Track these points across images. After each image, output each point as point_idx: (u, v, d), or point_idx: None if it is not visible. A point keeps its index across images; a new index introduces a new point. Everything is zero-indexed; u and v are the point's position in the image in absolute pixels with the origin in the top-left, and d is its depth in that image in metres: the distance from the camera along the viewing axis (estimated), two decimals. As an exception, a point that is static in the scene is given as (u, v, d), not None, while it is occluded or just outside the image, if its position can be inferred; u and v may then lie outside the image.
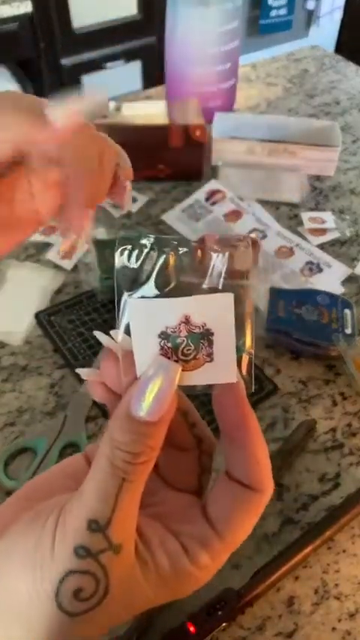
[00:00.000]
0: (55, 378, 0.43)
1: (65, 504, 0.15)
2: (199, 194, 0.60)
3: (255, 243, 0.50)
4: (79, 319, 0.47)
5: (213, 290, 0.16)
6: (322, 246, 0.55)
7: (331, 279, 0.51)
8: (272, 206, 0.60)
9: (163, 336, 0.15)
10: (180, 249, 0.16)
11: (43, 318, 0.47)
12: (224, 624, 0.29)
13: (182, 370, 0.15)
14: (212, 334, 0.16)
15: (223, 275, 0.17)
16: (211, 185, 0.61)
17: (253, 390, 0.16)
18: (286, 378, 0.43)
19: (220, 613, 0.29)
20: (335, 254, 0.54)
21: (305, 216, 0.57)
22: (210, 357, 0.16)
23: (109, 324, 0.47)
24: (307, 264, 0.52)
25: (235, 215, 0.58)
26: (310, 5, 1.75)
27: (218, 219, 0.58)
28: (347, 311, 0.45)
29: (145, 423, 0.14)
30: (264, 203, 0.59)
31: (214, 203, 0.59)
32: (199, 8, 0.61)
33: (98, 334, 0.16)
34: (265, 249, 0.54)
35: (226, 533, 0.16)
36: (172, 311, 0.15)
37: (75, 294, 0.49)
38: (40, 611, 0.14)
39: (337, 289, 0.50)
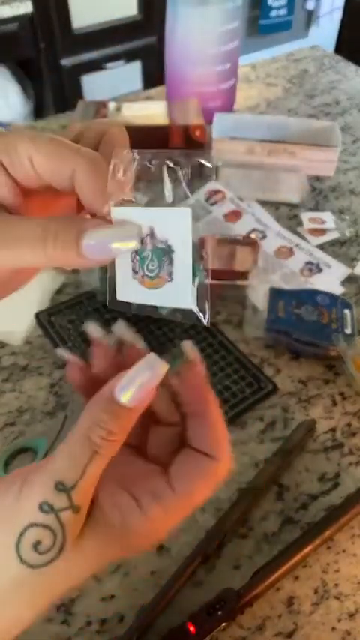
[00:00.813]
0: (56, 378, 0.43)
1: (37, 468, 0.17)
2: (199, 194, 0.60)
3: (255, 244, 0.51)
4: (79, 319, 0.47)
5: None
6: (321, 247, 0.55)
7: (331, 280, 0.51)
8: (272, 206, 0.60)
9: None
10: (153, 162, 0.17)
11: (43, 319, 0.47)
12: (224, 624, 0.29)
13: (146, 286, 0.17)
14: (173, 252, 0.17)
15: (186, 189, 0.17)
16: (211, 185, 0.61)
17: (207, 324, 0.17)
18: (286, 378, 0.43)
19: (220, 613, 0.29)
20: (335, 254, 0.54)
21: (305, 216, 0.57)
22: (170, 276, 0.17)
23: (109, 324, 0.47)
24: (306, 265, 0.53)
25: (235, 215, 0.58)
26: (310, 5, 1.75)
27: (218, 220, 0.58)
28: (347, 311, 0.45)
29: (124, 408, 0.16)
30: (264, 203, 0.60)
31: (214, 203, 0.59)
32: (199, 8, 0.61)
33: (87, 325, 0.18)
34: (265, 249, 0.54)
35: (180, 488, 0.17)
36: (142, 220, 0.17)
37: (75, 295, 0.49)
38: (2, 561, 0.16)
39: (337, 289, 0.50)
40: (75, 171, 0.17)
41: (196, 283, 0.17)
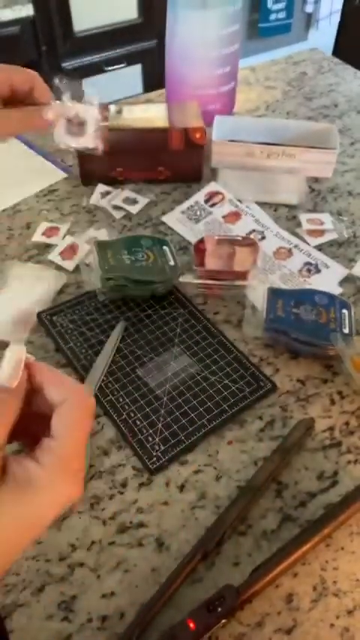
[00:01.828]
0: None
1: None
2: (199, 196, 0.61)
3: (254, 245, 0.51)
4: (80, 319, 0.47)
5: None
6: (320, 247, 0.55)
7: (329, 280, 0.51)
8: (271, 208, 0.60)
9: None
10: None
11: (45, 318, 0.47)
12: (224, 621, 0.30)
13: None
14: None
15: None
16: (211, 187, 0.61)
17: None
18: (285, 377, 0.44)
19: (219, 610, 0.29)
20: (333, 255, 0.54)
21: (303, 217, 0.58)
22: None
23: (110, 323, 0.47)
24: (305, 265, 0.53)
25: (234, 216, 0.58)
26: (309, 9, 1.76)
27: (217, 221, 0.58)
28: (345, 311, 0.45)
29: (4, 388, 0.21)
30: (263, 205, 0.60)
31: (213, 205, 0.60)
32: (199, 11, 0.62)
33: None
34: (264, 250, 0.54)
35: (56, 434, 0.21)
36: None
37: (77, 295, 0.50)
38: None
39: (335, 290, 0.50)
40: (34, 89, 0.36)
41: None
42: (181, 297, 0.50)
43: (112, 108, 0.62)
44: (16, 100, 0.35)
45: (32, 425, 0.22)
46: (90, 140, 0.39)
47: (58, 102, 0.38)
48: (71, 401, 0.21)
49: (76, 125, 0.38)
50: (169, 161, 0.61)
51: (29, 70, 0.36)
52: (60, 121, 0.38)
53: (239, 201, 0.60)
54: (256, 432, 0.40)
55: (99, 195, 0.60)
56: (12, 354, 0.21)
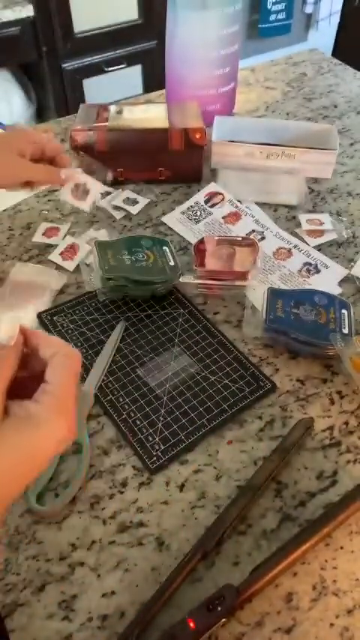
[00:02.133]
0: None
1: None
2: (199, 196, 0.61)
3: (254, 245, 0.51)
4: (81, 319, 0.48)
5: None
6: (319, 248, 0.55)
7: (329, 280, 0.52)
8: (270, 208, 0.60)
9: None
10: None
11: (45, 318, 0.47)
12: (223, 620, 0.30)
13: None
14: None
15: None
16: (211, 187, 0.61)
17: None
18: (284, 377, 0.44)
19: (219, 609, 0.30)
20: (332, 255, 0.55)
21: (303, 218, 0.58)
22: None
23: (110, 323, 0.47)
24: (304, 265, 0.53)
25: (234, 217, 0.59)
26: (309, 9, 1.76)
27: (217, 221, 0.58)
28: (344, 311, 0.46)
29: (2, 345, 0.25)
30: (262, 205, 0.60)
31: (213, 205, 0.60)
32: (199, 12, 0.62)
33: None
34: (264, 250, 0.54)
35: (50, 379, 0.24)
36: None
37: (77, 295, 0.50)
38: None
39: (335, 290, 0.50)
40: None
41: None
42: (181, 297, 0.50)
43: (112, 108, 0.63)
44: (41, 162, 0.49)
45: (30, 387, 0.25)
46: (86, 206, 0.52)
47: (75, 169, 0.51)
48: (60, 353, 0.25)
49: (81, 191, 0.51)
50: (169, 161, 0.61)
51: (58, 143, 0.51)
52: (69, 183, 0.51)
53: (239, 201, 0.60)
54: (256, 431, 0.40)
55: (99, 195, 0.60)
56: (9, 319, 0.25)
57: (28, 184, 0.49)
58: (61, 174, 0.49)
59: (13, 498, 0.24)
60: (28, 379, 0.25)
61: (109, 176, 0.55)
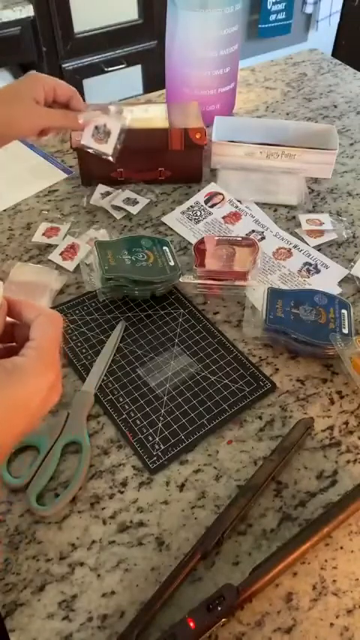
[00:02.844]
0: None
1: None
2: (199, 196, 0.61)
3: (254, 245, 0.51)
4: (81, 319, 0.48)
5: None
6: (319, 248, 0.55)
7: (329, 280, 0.52)
8: (270, 208, 0.60)
9: None
10: None
11: (44, 319, 0.47)
12: (224, 620, 0.30)
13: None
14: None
15: None
16: (211, 187, 0.61)
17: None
18: (285, 376, 0.44)
19: (219, 609, 0.30)
20: (332, 255, 0.55)
21: (303, 218, 0.58)
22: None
23: (110, 323, 0.47)
24: (304, 265, 0.53)
25: (234, 217, 0.59)
26: (309, 9, 1.76)
27: (217, 221, 0.58)
28: (344, 311, 0.46)
29: None
30: (262, 205, 0.60)
31: (213, 205, 0.60)
32: (199, 12, 0.62)
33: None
34: (264, 250, 0.54)
35: (34, 335, 0.25)
36: None
37: (77, 295, 0.50)
38: None
39: (335, 290, 0.50)
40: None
41: None
42: (181, 297, 0.50)
43: (113, 108, 0.63)
44: (56, 106, 0.48)
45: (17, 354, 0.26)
46: (109, 148, 0.50)
47: (92, 111, 0.49)
48: (43, 314, 0.26)
49: (102, 133, 0.50)
50: (170, 161, 0.61)
51: (70, 86, 0.48)
52: (89, 126, 0.49)
53: (239, 201, 0.60)
54: (256, 431, 0.40)
55: (99, 195, 0.60)
56: None
57: (44, 132, 0.47)
58: (78, 118, 0.48)
59: (9, 448, 0.24)
60: (15, 348, 0.26)
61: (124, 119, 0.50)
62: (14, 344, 0.28)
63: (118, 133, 0.49)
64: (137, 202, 0.59)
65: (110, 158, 0.50)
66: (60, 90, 0.47)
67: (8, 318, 0.27)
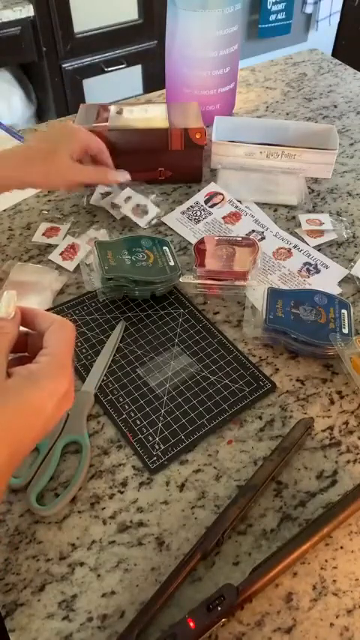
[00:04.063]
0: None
1: None
2: (199, 196, 0.61)
3: (254, 245, 0.51)
4: (81, 319, 0.48)
5: None
6: (319, 248, 0.55)
7: (329, 280, 0.52)
8: (270, 208, 0.60)
9: None
10: None
11: (44, 319, 0.47)
12: (223, 620, 0.30)
13: None
14: None
15: None
16: (211, 187, 0.61)
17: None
18: (284, 376, 0.44)
19: (219, 609, 0.30)
20: (332, 255, 0.55)
21: (303, 218, 0.58)
22: None
23: (110, 323, 0.47)
24: (304, 265, 0.53)
25: (234, 217, 0.59)
26: (309, 9, 1.76)
27: (217, 221, 0.58)
28: (344, 311, 0.46)
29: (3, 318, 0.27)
30: (262, 205, 0.60)
31: (213, 205, 0.60)
32: (198, 12, 0.62)
33: None
34: (264, 250, 0.54)
35: (48, 343, 0.27)
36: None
37: (77, 295, 0.50)
38: None
39: (335, 290, 0.50)
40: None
41: None
42: (181, 297, 0.50)
43: (112, 108, 0.63)
44: (87, 159, 0.52)
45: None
46: (143, 223, 0.57)
47: (121, 171, 0.55)
48: (56, 323, 0.27)
49: (141, 211, 0.57)
50: (170, 161, 0.61)
51: (100, 141, 0.52)
52: (131, 203, 0.56)
53: (239, 201, 0.60)
54: (256, 431, 0.40)
55: (99, 195, 0.60)
56: (8, 295, 0.27)
57: (71, 186, 0.51)
58: (108, 176, 0.52)
59: (25, 453, 0.25)
60: (28, 359, 0.27)
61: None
62: (26, 354, 0.29)
63: (152, 214, 0.57)
64: (147, 212, 0.58)
65: (143, 227, 0.57)
66: (92, 144, 0.50)
67: (22, 328, 0.28)
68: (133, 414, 0.40)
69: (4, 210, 0.60)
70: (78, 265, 0.53)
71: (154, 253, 0.50)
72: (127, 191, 0.61)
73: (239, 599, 0.30)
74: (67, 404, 0.26)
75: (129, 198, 0.59)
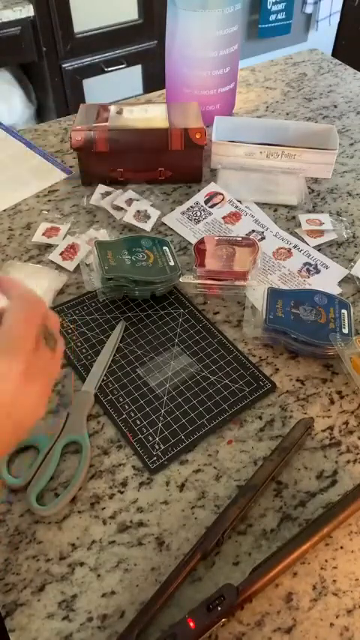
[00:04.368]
0: (58, 377, 0.43)
1: None
2: (199, 196, 0.61)
3: (254, 245, 0.51)
4: (81, 319, 0.48)
5: None
6: (319, 248, 0.55)
7: (329, 280, 0.52)
8: (270, 208, 0.60)
9: None
10: None
11: (44, 319, 0.47)
12: (223, 620, 0.30)
13: None
14: None
15: None
16: (211, 188, 0.61)
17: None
18: (284, 376, 0.44)
19: (219, 609, 0.30)
20: (332, 255, 0.55)
21: (303, 218, 0.58)
22: None
23: (110, 323, 0.47)
24: (304, 265, 0.53)
25: (234, 217, 0.59)
26: (309, 9, 1.76)
27: (217, 221, 0.58)
28: (344, 311, 0.46)
29: None
30: (262, 205, 0.60)
31: (213, 205, 0.60)
32: (198, 12, 0.62)
33: None
34: (264, 250, 0.54)
35: (4, 322, 0.24)
36: None
37: (77, 295, 0.50)
38: None
39: (335, 290, 0.50)
40: None
41: None
42: (181, 297, 0.50)
43: (112, 108, 0.63)
44: None
45: None
46: (147, 227, 0.56)
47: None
48: (21, 297, 0.25)
49: (143, 216, 0.56)
50: (170, 161, 0.61)
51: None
52: (132, 208, 0.56)
53: (239, 201, 0.60)
54: (256, 431, 0.40)
55: (99, 195, 0.60)
56: None
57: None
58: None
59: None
60: None
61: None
62: None
63: (155, 218, 0.57)
64: (149, 217, 0.57)
65: (147, 230, 0.56)
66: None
67: None
68: (133, 414, 0.40)
69: (4, 210, 0.60)
70: (78, 265, 0.53)
71: (154, 253, 0.50)
72: (129, 193, 0.61)
73: (239, 599, 0.30)
74: (33, 398, 0.23)
75: (130, 200, 0.59)
